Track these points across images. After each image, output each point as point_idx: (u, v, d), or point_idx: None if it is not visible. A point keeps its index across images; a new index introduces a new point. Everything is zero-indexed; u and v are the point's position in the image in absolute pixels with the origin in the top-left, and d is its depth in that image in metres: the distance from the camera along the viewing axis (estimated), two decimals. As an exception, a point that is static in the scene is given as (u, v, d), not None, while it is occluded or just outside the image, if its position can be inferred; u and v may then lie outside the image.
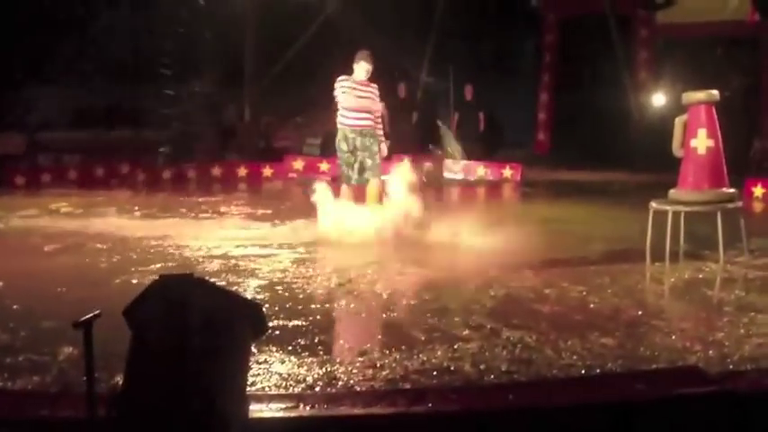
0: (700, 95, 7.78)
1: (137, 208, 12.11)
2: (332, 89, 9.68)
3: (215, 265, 7.75)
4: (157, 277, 3.03)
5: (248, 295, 6.30)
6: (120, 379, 2.91)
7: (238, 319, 3.00)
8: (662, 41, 19.99)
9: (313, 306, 6.26)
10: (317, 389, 4.38)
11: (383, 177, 9.79)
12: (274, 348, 5.02)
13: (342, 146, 9.69)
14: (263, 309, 3.20)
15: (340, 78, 9.65)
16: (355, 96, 9.65)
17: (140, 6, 19.72)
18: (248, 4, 18.68)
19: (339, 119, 9.70)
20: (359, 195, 9.99)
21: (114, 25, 19.49)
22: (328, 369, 4.69)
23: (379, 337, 5.47)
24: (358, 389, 4.37)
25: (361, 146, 9.66)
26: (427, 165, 15.89)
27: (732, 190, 7.75)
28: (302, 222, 10.04)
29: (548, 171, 17.23)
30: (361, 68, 9.67)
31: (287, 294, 6.55)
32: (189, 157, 18.22)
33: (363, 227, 9.28)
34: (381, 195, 9.79)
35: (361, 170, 9.70)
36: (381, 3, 18.57)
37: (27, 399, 4.21)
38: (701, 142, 7.66)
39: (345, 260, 8.09)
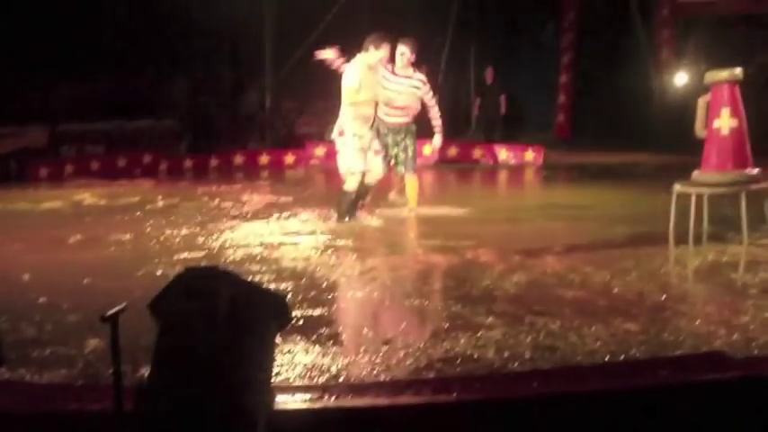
0: (723, 74, 7.69)
1: (159, 197, 12.16)
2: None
3: (238, 254, 7.78)
4: (182, 269, 3.04)
5: (272, 285, 6.31)
6: (146, 372, 2.93)
7: (263, 310, 3.00)
8: (683, 20, 19.84)
9: (336, 295, 6.29)
10: (341, 379, 4.40)
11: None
12: (298, 338, 5.03)
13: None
14: (287, 299, 3.21)
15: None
16: (391, 90, 9.56)
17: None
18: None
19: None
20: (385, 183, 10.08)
21: (131, 13, 19.50)
22: (352, 359, 4.70)
23: (403, 325, 5.48)
24: (382, 378, 4.38)
25: (392, 142, 9.65)
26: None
27: (756, 171, 7.68)
28: (324, 210, 10.05)
29: (569, 154, 17.18)
30: (397, 53, 9.51)
31: (310, 283, 6.57)
32: (210, 146, 18.27)
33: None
34: (416, 190, 9.85)
35: (394, 160, 9.71)
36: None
37: (54, 392, 4.24)
38: (725, 122, 7.59)
39: (368, 248, 8.11)
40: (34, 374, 4.58)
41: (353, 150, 9.10)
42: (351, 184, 9.18)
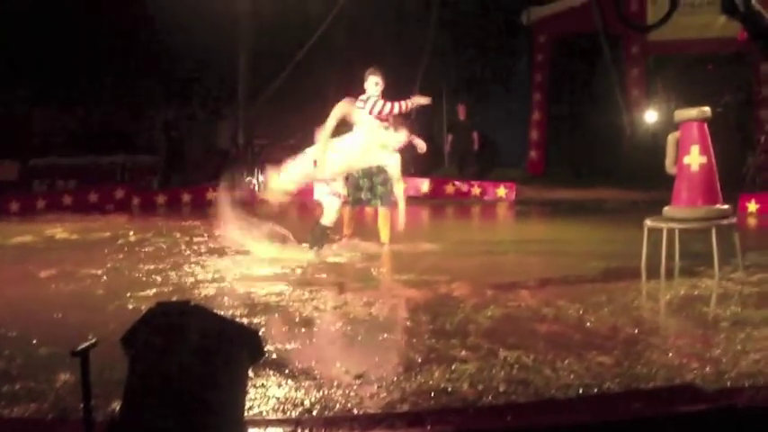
0: (692, 113, 7.81)
1: (131, 232, 12.10)
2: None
3: (210, 289, 7.74)
4: (154, 304, 3.03)
5: (244, 320, 6.29)
6: (117, 405, 2.91)
7: (235, 345, 3.00)
8: (653, 58, 20.11)
9: (309, 329, 6.26)
10: (315, 412, 4.37)
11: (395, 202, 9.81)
12: (271, 372, 5.01)
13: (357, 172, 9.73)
14: (260, 333, 3.20)
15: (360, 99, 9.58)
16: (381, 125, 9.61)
17: (136, 24, 19.77)
18: (242, 27, 18.77)
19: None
20: (361, 217, 10.11)
21: (109, 47, 19.53)
22: (326, 392, 4.67)
23: (376, 359, 5.46)
24: (356, 412, 4.36)
25: (377, 170, 9.67)
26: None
27: (726, 206, 7.77)
28: (296, 245, 10.04)
29: (542, 190, 17.29)
30: (371, 83, 9.59)
31: (283, 317, 6.55)
32: (183, 182, 18.27)
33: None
34: (393, 222, 9.84)
35: (372, 193, 9.74)
36: (373, 23, 18.66)
37: (24, 427, 4.20)
38: (695, 159, 7.69)
39: (341, 282, 8.10)
40: (4, 409, 4.52)
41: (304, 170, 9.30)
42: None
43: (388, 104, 9.41)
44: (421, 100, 9.77)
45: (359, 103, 9.43)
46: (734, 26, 16.78)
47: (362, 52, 16.84)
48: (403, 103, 9.52)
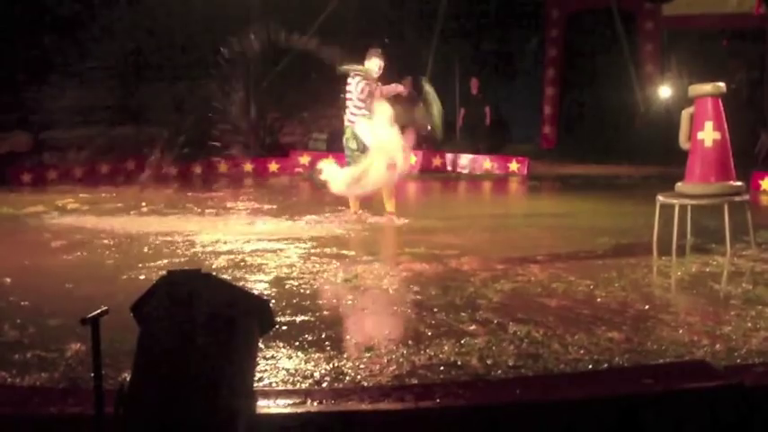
0: (706, 88, 7.76)
1: (143, 204, 12.11)
2: (339, 85, 9.68)
3: (222, 260, 7.76)
4: (165, 273, 3.03)
5: (255, 291, 6.30)
6: (127, 375, 2.91)
7: (246, 314, 3.00)
8: (667, 34, 19.95)
9: (320, 301, 6.27)
10: (325, 384, 4.38)
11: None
12: (281, 344, 5.03)
13: (350, 144, 9.70)
14: (271, 304, 3.20)
15: (354, 73, 9.62)
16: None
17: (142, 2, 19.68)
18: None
19: (348, 116, 9.69)
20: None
21: (116, 23, 19.44)
22: (335, 364, 4.69)
23: (386, 332, 5.47)
24: (365, 384, 4.37)
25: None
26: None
27: (739, 183, 7.73)
28: (308, 217, 10.07)
29: (554, 165, 17.22)
30: (374, 65, 9.63)
31: (294, 290, 6.56)
32: (195, 154, 18.22)
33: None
34: (392, 194, 9.86)
35: None
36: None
37: (35, 395, 4.21)
38: (708, 135, 7.65)
39: (351, 255, 8.10)
40: (15, 377, 4.55)
41: None
42: None
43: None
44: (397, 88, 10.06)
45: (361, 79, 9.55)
46: (749, 1, 16.72)
47: (375, 27, 16.78)
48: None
